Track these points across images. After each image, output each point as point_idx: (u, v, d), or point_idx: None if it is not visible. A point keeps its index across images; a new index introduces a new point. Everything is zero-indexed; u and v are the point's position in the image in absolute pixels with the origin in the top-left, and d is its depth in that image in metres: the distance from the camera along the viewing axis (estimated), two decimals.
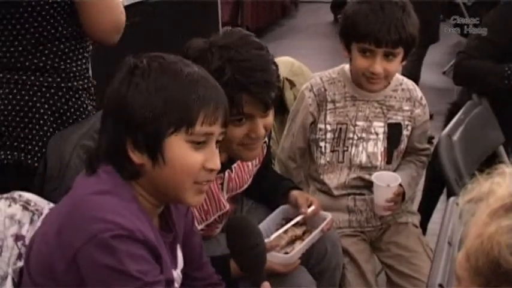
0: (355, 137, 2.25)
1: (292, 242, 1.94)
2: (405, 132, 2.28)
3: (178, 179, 1.35)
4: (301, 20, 7.48)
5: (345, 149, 2.26)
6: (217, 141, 1.39)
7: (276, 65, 1.77)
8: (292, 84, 2.80)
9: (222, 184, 1.93)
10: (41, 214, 1.51)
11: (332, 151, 2.26)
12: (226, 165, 1.89)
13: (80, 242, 1.24)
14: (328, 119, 2.24)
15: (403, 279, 2.22)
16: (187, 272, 1.59)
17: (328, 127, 2.25)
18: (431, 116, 4.40)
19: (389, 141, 2.26)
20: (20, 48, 1.86)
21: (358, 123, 2.24)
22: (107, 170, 1.35)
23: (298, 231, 1.97)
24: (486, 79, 2.59)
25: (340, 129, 2.25)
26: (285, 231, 1.94)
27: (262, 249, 1.62)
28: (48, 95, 1.89)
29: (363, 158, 2.26)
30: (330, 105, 2.24)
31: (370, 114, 2.25)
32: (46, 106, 1.89)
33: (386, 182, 2.17)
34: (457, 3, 5.27)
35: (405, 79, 2.33)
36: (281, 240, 1.91)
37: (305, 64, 3.04)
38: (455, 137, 2.20)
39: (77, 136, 1.91)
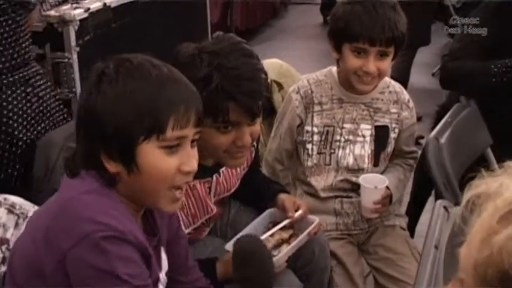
0: (342, 139, 2.25)
1: (278, 245, 1.94)
2: (392, 135, 2.28)
3: (153, 186, 1.34)
4: (291, 22, 7.47)
5: (332, 151, 2.26)
6: (194, 140, 1.38)
7: (265, 74, 1.76)
8: (280, 86, 2.79)
9: (209, 188, 1.92)
10: (26, 217, 1.50)
11: (319, 153, 2.26)
12: (214, 169, 1.88)
13: (70, 242, 1.23)
14: (315, 121, 2.24)
15: (390, 282, 2.22)
16: (173, 277, 1.57)
17: (315, 129, 2.24)
18: (420, 118, 4.44)
19: (377, 144, 2.27)
20: None
21: (345, 125, 2.24)
22: (90, 173, 1.34)
23: (285, 235, 1.97)
24: (473, 79, 2.58)
25: (327, 131, 2.25)
26: (272, 235, 1.94)
27: (270, 278, 1.63)
28: None
29: (350, 160, 2.25)
30: (316, 108, 2.24)
31: (357, 117, 2.25)
32: None
33: (374, 184, 2.17)
34: (446, 6, 5.28)
35: (392, 81, 2.33)
36: (268, 244, 1.90)
37: (294, 65, 3.03)
38: (442, 140, 2.19)
39: (63, 138, 1.91)
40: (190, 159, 1.36)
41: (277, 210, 2.06)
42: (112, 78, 1.31)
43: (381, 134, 2.27)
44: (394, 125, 2.28)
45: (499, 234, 0.82)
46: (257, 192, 2.14)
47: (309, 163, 2.28)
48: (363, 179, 2.18)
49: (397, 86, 2.32)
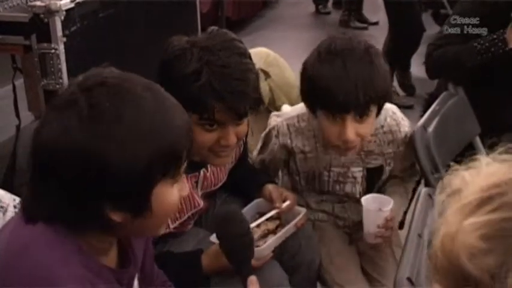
0: (331, 180, 2.12)
1: (265, 236, 1.93)
2: (387, 168, 2.13)
3: (160, 222, 1.26)
4: (283, 11, 7.43)
5: (322, 186, 2.15)
6: None
7: (257, 74, 1.72)
8: (267, 75, 2.78)
9: (196, 182, 1.90)
10: (6, 211, 1.48)
11: (308, 185, 2.16)
12: (201, 164, 1.86)
13: None
14: (299, 164, 2.10)
15: (367, 279, 2.13)
16: None
17: (301, 169, 2.12)
18: (411, 106, 4.44)
19: (369, 182, 2.11)
20: None
21: (334, 169, 2.09)
22: (48, 218, 1.18)
23: (272, 225, 1.96)
24: (459, 62, 2.57)
25: (314, 172, 2.11)
26: (258, 225, 1.93)
27: (251, 239, 1.61)
28: None
29: (341, 193, 2.15)
30: (299, 155, 2.09)
31: (347, 161, 2.07)
32: None
33: (377, 205, 1.97)
34: None
35: (388, 118, 2.06)
36: (254, 235, 1.89)
37: (286, 55, 3.02)
38: (430, 129, 2.18)
39: None
40: (184, 184, 1.27)
41: (264, 201, 2.04)
42: (112, 114, 1.11)
43: (374, 173, 2.11)
44: (389, 161, 2.10)
45: (455, 224, 0.81)
46: (243, 182, 2.12)
47: (299, 187, 2.19)
48: (365, 200, 1.97)
49: (393, 123, 2.06)
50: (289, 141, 2.06)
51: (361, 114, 1.81)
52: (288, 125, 2.07)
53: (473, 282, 0.77)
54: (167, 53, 1.68)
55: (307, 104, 1.94)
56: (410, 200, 2.32)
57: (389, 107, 2.05)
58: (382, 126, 2.05)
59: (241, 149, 2.05)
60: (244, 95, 1.66)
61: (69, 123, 1.11)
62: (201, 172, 1.90)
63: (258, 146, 2.22)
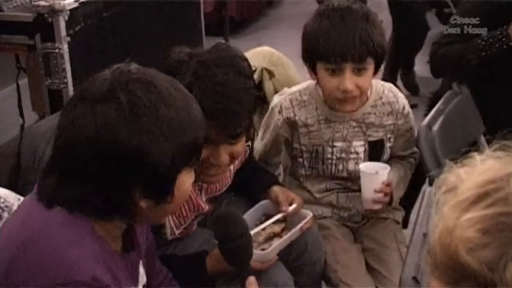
0: (334, 157, 2.14)
1: (270, 238, 1.92)
2: (388, 145, 2.17)
3: (174, 208, 1.36)
4: (286, 10, 7.42)
5: (325, 167, 2.16)
6: None
7: (253, 95, 1.67)
8: (271, 74, 2.77)
9: (200, 190, 1.88)
10: (11, 210, 1.49)
11: (311, 167, 2.18)
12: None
13: (37, 286, 1.17)
14: (302, 141, 2.14)
15: (373, 275, 2.13)
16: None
17: (304, 148, 2.15)
18: (415, 105, 4.43)
19: (371, 158, 2.15)
20: None
21: (336, 144, 2.13)
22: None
23: (277, 228, 1.95)
24: (463, 59, 2.56)
25: (317, 150, 2.14)
26: (264, 228, 1.92)
27: (249, 240, 1.61)
28: None
29: (344, 174, 2.17)
30: (302, 129, 2.12)
31: (349, 135, 2.12)
32: None
33: (375, 170, 2.05)
34: None
35: (386, 90, 2.16)
36: (259, 237, 1.89)
37: (289, 54, 3.01)
38: (435, 128, 2.16)
39: (51, 128, 1.88)
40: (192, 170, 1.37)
41: (271, 203, 2.03)
42: (149, 109, 1.22)
43: (375, 148, 2.15)
44: (389, 136, 2.16)
45: (452, 219, 0.82)
46: (250, 183, 2.10)
47: (303, 172, 2.20)
48: (363, 167, 2.06)
49: (391, 95, 2.16)
50: (292, 114, 2.12)
51: (359, 64, 1.91)
52: (290, 100, 2.15)
53: (472, 276, 0.79)
54: (165, 64, 1.63)
55: (308, 62, 2.02)
56: (414, 199, 2.32)
57: (386, 83, 2.20)
58: (381, 98, 2.13)
59: (247, 153, 2.03)
60: (236, 117, 1.60)
61: (110, 117, 1.20)
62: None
63: (260, 134, 2.23)
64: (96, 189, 1.22)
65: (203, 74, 1.59)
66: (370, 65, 1.95)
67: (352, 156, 2.14)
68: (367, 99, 2.11)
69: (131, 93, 1.22)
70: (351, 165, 2.15)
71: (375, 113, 2.12)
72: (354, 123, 2.12)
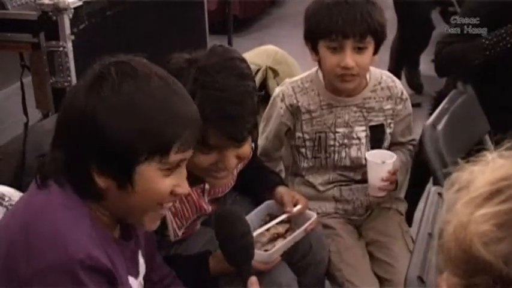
0: (337, 144, 2.18)
1: (274, 239, 1.91)
2: (388, 131, 2.22)
3: (144, 205, 1.30)
4: (290, 9, 7.41)
5: (327, 155, 2.19)
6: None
7: (256, 96, 1.66)
8: (275, 73, 2.78)
9: (202, 192, 1.88)
10: None
11: (314, 157, 2.20)
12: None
13: (33, 269, 1.19)
14: (305, 128, 2.17)
15: (381, 269, 2.15)
16: (145, 277, 1.53)
17: (306, 136, 2.18)
18: (419, 104, 4.42)
19: (373, 144, 2.19)
20: None
21: (339, 129, 2.17)
22: (60, 182, 1.28)
23: (281, 229, 1.94)
24: (467, 58, 2.57)
25: (320, 137, 2.18)
26: (268, 229, 1.92)
27: (251, 240, 1.60)
28: None
29: (347, 162, 2.20)
30: (305, 116, 2.16)
31: (350, 120, 2.18)
32: None
33: (381, 159, 2.08)
34: None
35: (384, 76, 2.23)
36: (263, 238, 1.89)
37: (293, 53, 3.01)
38: (439, 127, 2.16)
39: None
40: (184, 181, 1.33)
41: (275, 203, 2.02)
42: (114, 84, 1.22)
43: (376, 134, 2.20)
44: (389, 121, 2.22)
45: (465, 215, 0.85)
46: (254, 183, 2.10)
47: (305, 164, 2.23)
48: (369, 155, 2.10)
49: (389, 80, 2.23)
50: (295, 100, 2.16)
51: (360, 42, 1.98)
52: (292, 87, 2.19)
53: (488, 269, 0.81)
54: (165, 70, 1.63)
55: (310, 42, 2.07)
56: (417, 196, 2.33)
57: (383, 70, 2.28)
58: (380, 83, 2.20)
59: (251, 153, 2.02)
60: (240, 121, 1.60)
61: (76, 86, 1.29)
62: (206, 183, 1.86)
63: (261, 128, 2.23)
64: (67, 163, 1.26)
65: (204, 80, 1.58)
66: (370, 44, 2.02)
67: (354, 142, 2.18)
68: (367, 84, 2.16)
69: (105, 66, 1.26)
70: (353, 152, 2.19)
71: (374, 98, 2.18)
72: (355, 108, 2.17)
